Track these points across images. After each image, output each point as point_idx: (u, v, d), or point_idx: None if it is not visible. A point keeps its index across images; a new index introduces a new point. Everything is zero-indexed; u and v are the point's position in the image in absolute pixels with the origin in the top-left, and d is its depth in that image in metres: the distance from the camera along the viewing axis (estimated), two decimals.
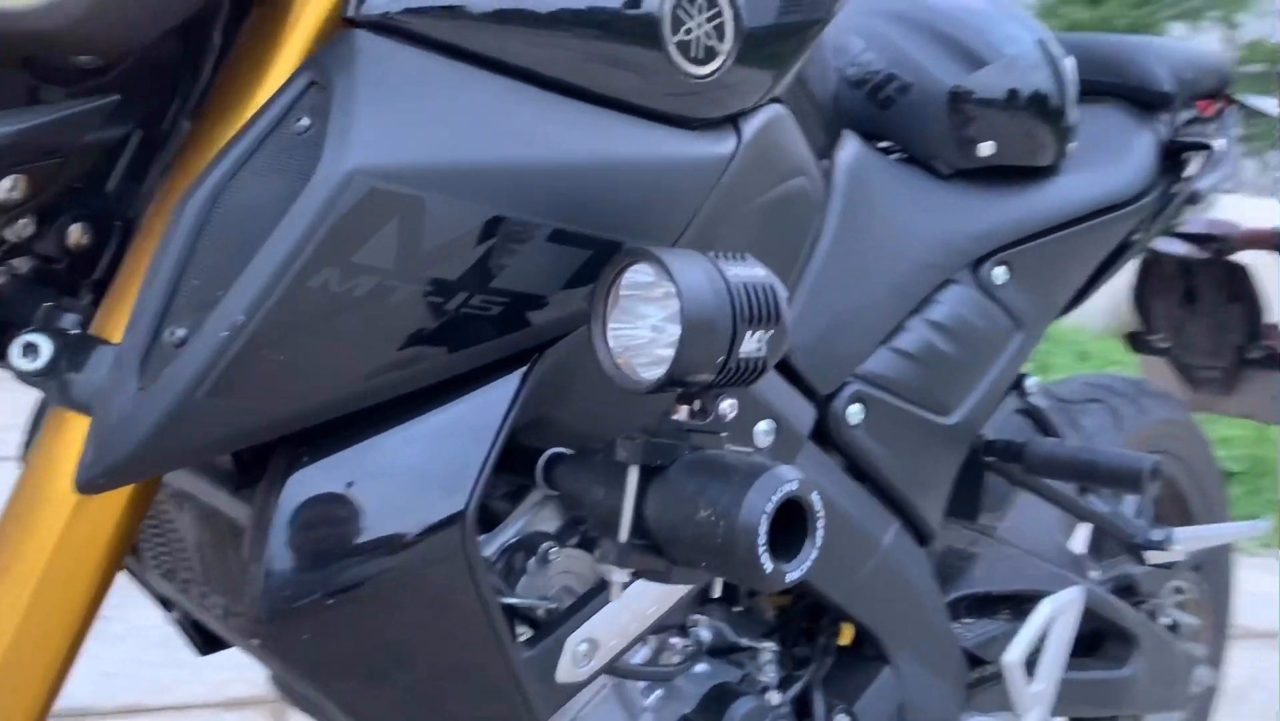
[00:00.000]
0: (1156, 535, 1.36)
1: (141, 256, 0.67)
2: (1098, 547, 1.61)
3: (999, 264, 1.26)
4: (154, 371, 0.61)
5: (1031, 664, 1.31)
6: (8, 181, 0.62)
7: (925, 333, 1.18)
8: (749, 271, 0.69)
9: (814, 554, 0.65)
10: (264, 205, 0.62)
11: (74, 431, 0.66)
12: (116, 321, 0.67)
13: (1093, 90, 1.44)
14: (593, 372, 0.72)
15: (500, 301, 0.70)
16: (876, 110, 1.27)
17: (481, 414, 0.73)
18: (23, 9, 0.55)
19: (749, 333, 0.67)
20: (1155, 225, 1.46)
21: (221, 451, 0.69)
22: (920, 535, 1.24)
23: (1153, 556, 1.37)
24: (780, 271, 1.02)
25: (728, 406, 0.69)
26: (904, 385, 1.16)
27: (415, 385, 0.70)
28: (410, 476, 0.71)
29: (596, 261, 0.73)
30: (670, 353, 0.67)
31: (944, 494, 1.25)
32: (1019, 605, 1.39)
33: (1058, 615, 1.33)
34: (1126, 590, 1.60)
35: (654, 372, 0.68)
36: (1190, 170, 1.50)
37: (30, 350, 0.66)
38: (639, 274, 0.69)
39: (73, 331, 0.67)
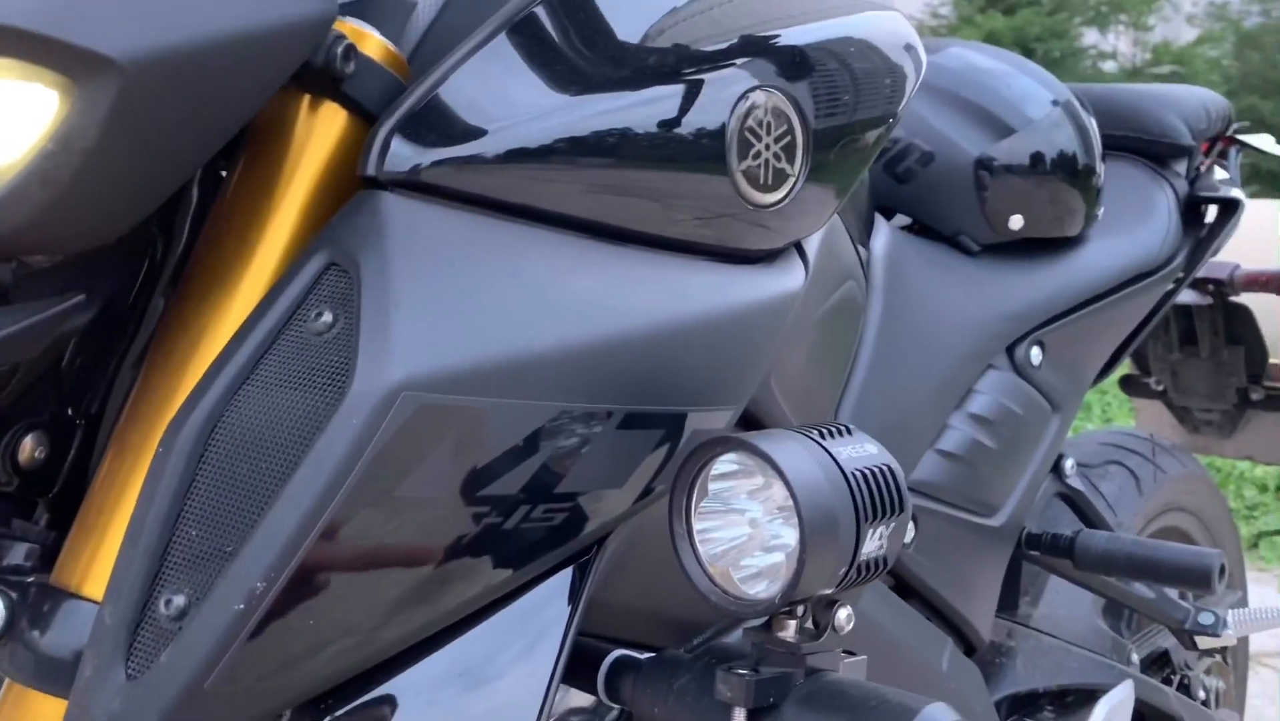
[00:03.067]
0: (1206, 619, 1.27)
1: (116, 482, 0.53)
2: (1118, 613, 1.54)
3: (1034, 344, 1.16)
4: (146, 653, 0.47)
5: None
6: None
7: (970, 430, 1.08)
8: (861, 451, 0.57)
9: None
10: (281, 430, 0.48)
11: (41, 714, 0.52)
12: (86, 566, 0.53)
13: (1107, 145, 1.36)
14: (656, 554, 0.60)
15: (563, 507, 0.57)
16: (894, 183, 1.17)
17: (538, 623, 0.61)
18: None
19: (871, 530, 0.55)
20: (1184, 284, 1.37)
21: None
22: (970, 646, 1.14)
23: (1204, 642, 1.28)
24: (832, 383, 0.91)
25: (844, 618, 0.58)
26: (952, 490, 1.06)
27: (463, 614, 0.57)
28: (462, 708, 0.58)
29: (664, 438, 0.61)
30: (780, 560, 0.55)
31: (994, 600, 1.15)
32: (1064, 701, 1.29)
33: (1110, 717, 1.23)
34: (1160, 661, 1.52)
35: (762, 589, 0.55)
36: (1209, 219, 1.42)
37: None
38: (728, 463, 0.57)
39: (30, 580, 0.53)
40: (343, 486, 0.47)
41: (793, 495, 0.52)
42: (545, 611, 0.61)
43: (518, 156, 0.55)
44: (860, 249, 0.97)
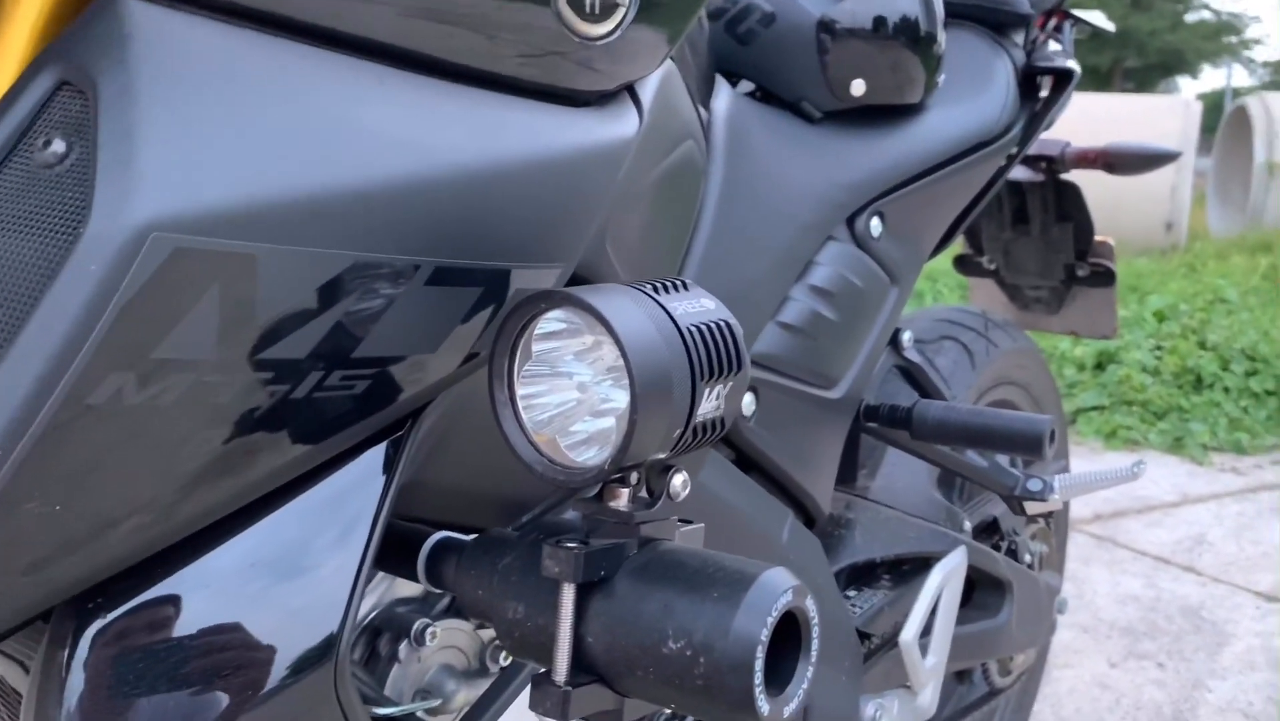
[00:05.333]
0: (1034, 485, 1.30)
1: None
2: (951, 483, 1.57)
3: (874, 215, 1.14)
4: None
5: (922, 636, 1.24)
6: None
7: (810, 302, 1.05)
8: (697, 305, 0.52)
9: (809, 672, 0.51)
10: (6, 281, 0.40)
11: None
12: None
13: (947, 12, 1.33)
14: (482, 428, 0.55)
15: (365, 374, 0.51)
16: (735, 46, 1.11)
17: (346, 506, 0.55)
18: None
19: (708, 390, 0.51)
20: (1020, 155, 1.38)
21: None
22: (810, 519, 1.13)
23: (1033, 507, 1.32)
24: (671, 249, 0.87)
25: (679, 484, 0.54)
26: (792, 362, 1.04)
27: (253, 497, 0.51)
28: (257, 600, 0.52)
29: (484, 298, 0.55)
30: (610, 424, 0.51)
31: (833, 471, 1.15)
32: (900, 569, 1.31)
33: (945, 583, 1.26)
34: (990, 528, 1.57)
35: (591, 456, 0.51)
36: (1044, 93, 1.42)
37: None
38: (554, 322, 0.51)
39: None
40: (85, 345, 0.39)
41: (622, 351, 0.47)
42: (354, 493, 0.55)
43: None
44: (701, 109, 0.92)
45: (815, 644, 0.50)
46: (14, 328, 0.40)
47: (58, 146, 0.41)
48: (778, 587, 0.48)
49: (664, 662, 0.48)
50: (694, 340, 0.50)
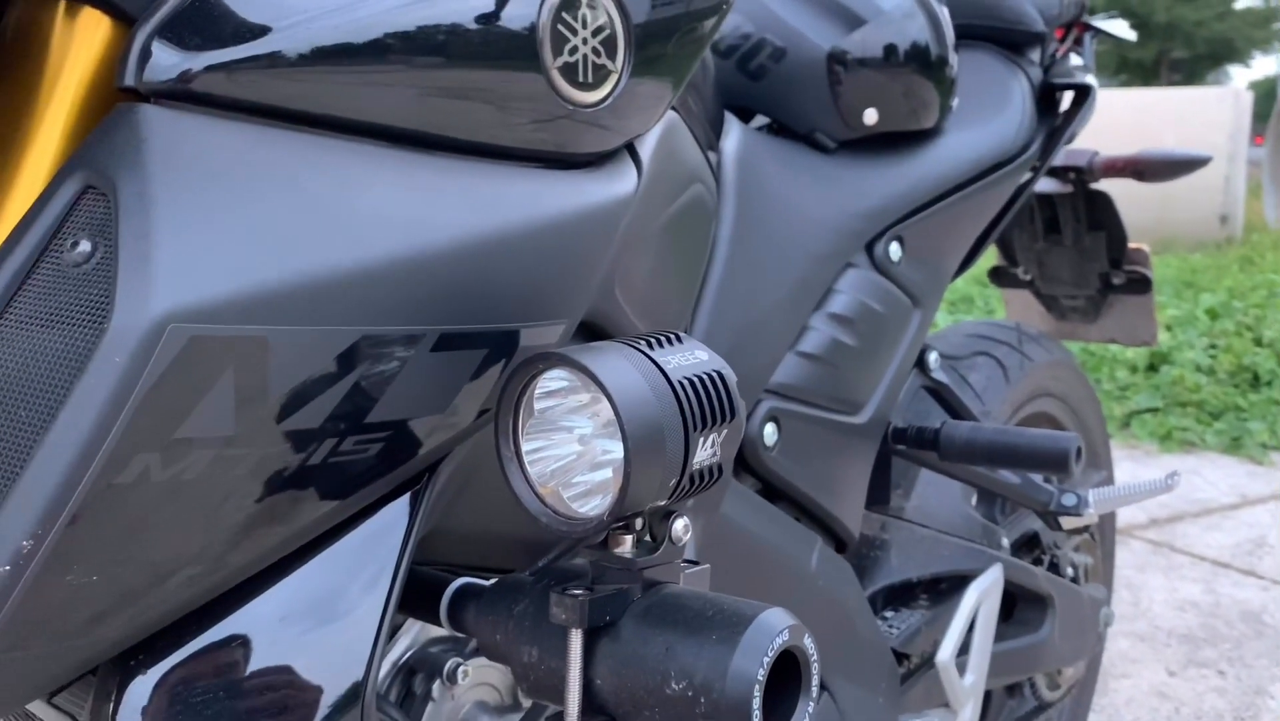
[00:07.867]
0: (1069, 500, 1.30)
1: None
2: (990, 499, 1.57)
3: (893, 240, 1.15)
4: None
5: (960, 654, 1.25)
6: None
7: (830, 329, 1.07)
8: (689, 358, 0.55)
9: (810, 709, 0.53)
10: (39, 374, 0.44)
11: None
12: None
13: (961, 34, 1.34)
14: (498, 476, 0.58)
15: (379, 437, 0.54)
16: (747, 81, 1.14)
17: (369, 557, 0.58)
18: None
19: (702, 439, 0.54)
20: (1041, 172, 1.38)
21: (17, 707, 0.51)
22: (841, 543, 1.15)
23: (1068, 522, 1.32)
24: (683, 290, 0.89)
25: (680, 528, 0.56)
26: (815, 391, 1.05)
27: (275, 558, 0.54)
28: (288, 652, 0.56)
29: (491, 357, 0.58)
30: (609, 476, 0.53)
31: (862, 496, 1.16)
32: (937, 588, 1.32)
33: (981, 601, 1.26)
34: (1030, 542, 1.56)
35: (592, 507, 0.53)
36: (1064, 107, 1.43)
37: None
38: (554, 380, 0.54)
39: None
40: (111, 431, 0.43)
41: (614, 408, 0.50)
42: (377, 545, 0.58)
43: (302, 58, 0.50)
44: (709, 151, 0.95)
45: (815, 680, 0.52)
46: (49, 416, 0.43)
47: (84, 247, 0.45)
48: (774, 627, 0.51)
49: (668, 703, 0.51)
50: (685, 392, 0.53)
